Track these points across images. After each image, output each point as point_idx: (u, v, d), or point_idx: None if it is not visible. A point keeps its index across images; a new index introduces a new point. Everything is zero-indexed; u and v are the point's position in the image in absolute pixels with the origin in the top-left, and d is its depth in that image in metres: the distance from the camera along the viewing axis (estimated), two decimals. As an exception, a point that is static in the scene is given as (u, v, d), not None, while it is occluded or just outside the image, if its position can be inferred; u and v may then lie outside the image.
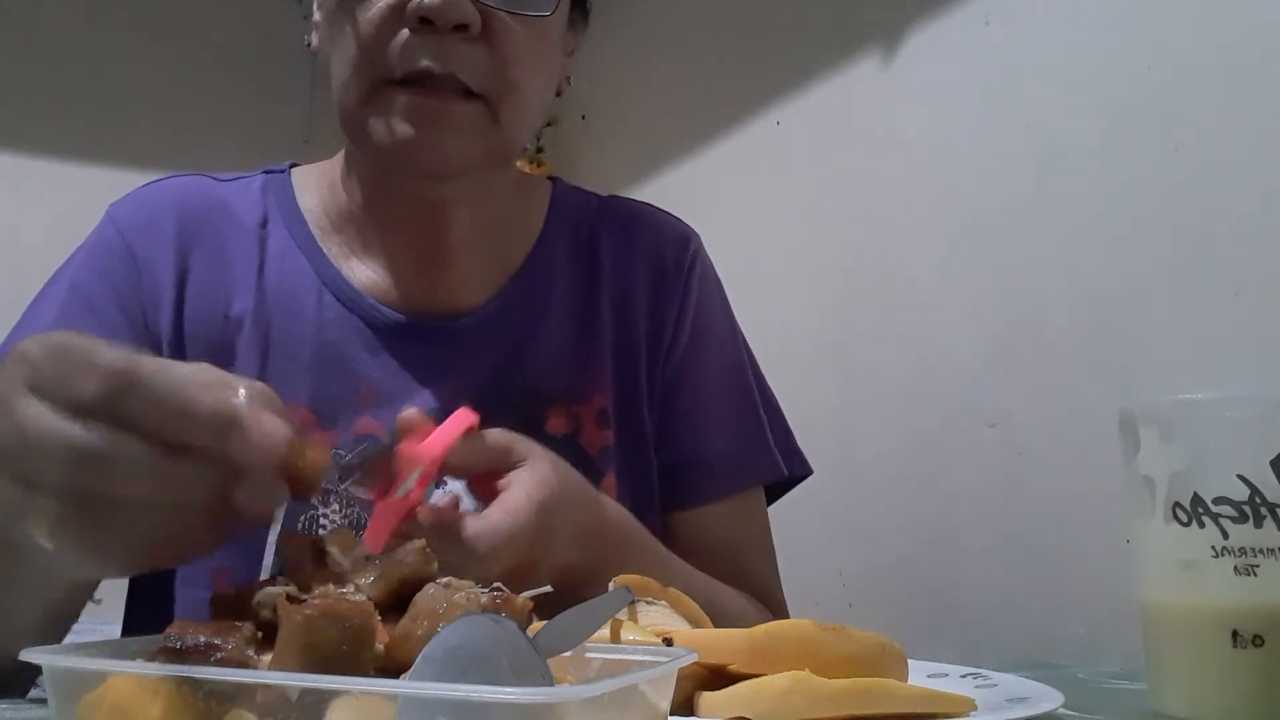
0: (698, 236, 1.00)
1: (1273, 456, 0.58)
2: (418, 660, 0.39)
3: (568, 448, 0.86)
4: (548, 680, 0.39)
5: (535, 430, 0.86)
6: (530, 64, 0.80)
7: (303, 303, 0.86)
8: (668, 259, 0.95)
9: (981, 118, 1.38)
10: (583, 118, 2.41)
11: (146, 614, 0.85)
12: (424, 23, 0.76)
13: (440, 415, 0.84)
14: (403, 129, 0.78)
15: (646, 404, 0.91)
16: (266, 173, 0.93)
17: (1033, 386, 1.29)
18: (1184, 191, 1.13)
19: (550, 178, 1.00)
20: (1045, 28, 1.31)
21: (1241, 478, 0.58)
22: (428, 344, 0.86)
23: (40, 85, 2.44)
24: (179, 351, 0.84)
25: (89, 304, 0.84)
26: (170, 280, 0.85)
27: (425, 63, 0.76)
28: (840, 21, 1.65)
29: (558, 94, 0.89)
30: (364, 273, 0.88)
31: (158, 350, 0.84)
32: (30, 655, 0.42)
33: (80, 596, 0.75)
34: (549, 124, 2.43)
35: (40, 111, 2.44)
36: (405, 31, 0.76)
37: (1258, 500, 0.58)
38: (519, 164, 2.52)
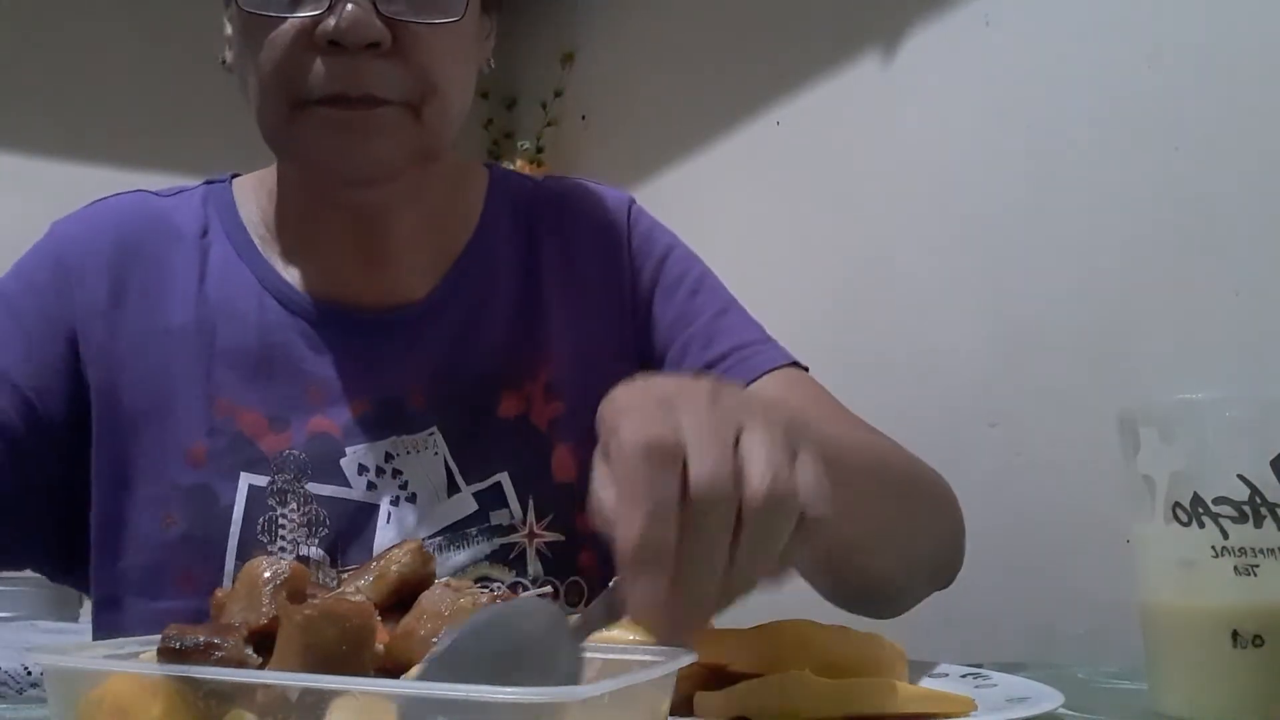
0: (633, 198, 0.99)
1: (1273, 456, 0.58)
2: (459, 633, 0.39)
3: (519, 430, 0.86)
4: (579, 666, 0.39)
5: (487, 415, 0.86)
6: (447, 66, 0.79)
7: (244, 309, 0.86)
8: (608, 220, 0.94)
9: (981, 118, 1.38)
10: (583, 118, 2.41)
11: (111, 626, 0.84)
12: (333, 45, 0.75)
13: (388, 406, 0.84)
14: (325, 143, 0.77)
15: (620, 358, 0.89)
16: (208, 183, 0.93)
17: (1033, 386, 1.29)
18: (1184, 192, 1.13)
19: (486, 164, 0.99)
20: (1045, 28, 1.31)
21: (1241, 478, 0.58)
22: (372, 337, 0.86)
23: (40, 85, 2.44)
24: (114, 365, 0.84)
25: (12, 311, 0.85)
26: (103, 295, 0.85)
27: (339, 88, 0.76)
28: (840, 21, 1.65)
29: (479, 74, 0.88)
30: (305, 275, 0.88)
31: (75, 362, 0.84)
32: (34, 656, 0.42)
33: None
34: (549, 124, 2.43)
35: (40, 111, 2.44)
36: (317, 57, 0.75)
37: (1258, 500, 0.58)
38: (520, 162, 2.52)
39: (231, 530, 0.80)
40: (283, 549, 0.81)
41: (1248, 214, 1.07)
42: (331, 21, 0.74)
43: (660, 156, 2.10)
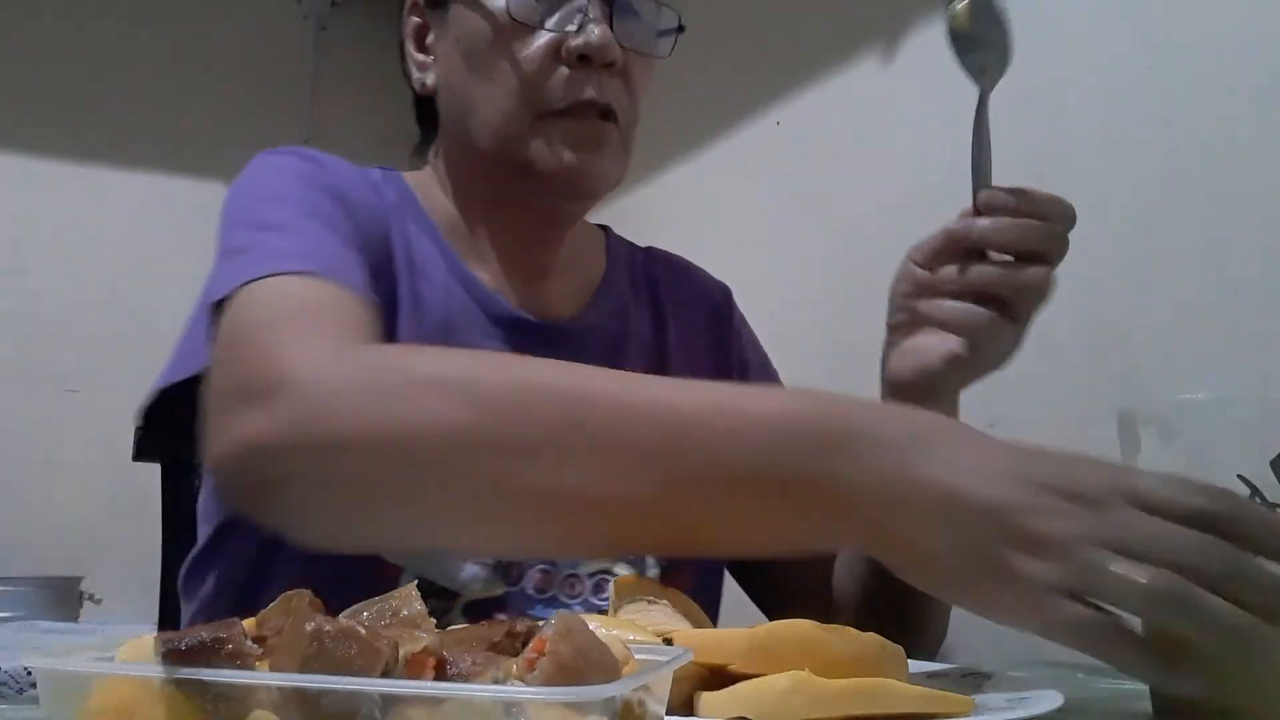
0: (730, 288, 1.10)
1: (1273, 457, 0.58)
2: None
3: None
4: None
5: None
6: (644, 96, 0.92)
7: (431, 275, 0.91)
8: (718, 304, 1.06)
9: (981, 118, 1.37)
10: (583, 118, 2.40)
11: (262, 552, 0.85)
12: (581, 60, 0.85)
13: None
14: (568, 155, 0.87)
15: None
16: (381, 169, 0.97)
17: (1033, 386, 1.29)
18: (1184, 191, 1.13)
19: (600, 225, 1.09)
20: (1045, 28, 1.31)
21: (1242, 478, 0.58)
22: (535, 339, 0.90)
23: (40, 85, 2.44)
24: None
25: (326, 213, 0.82)
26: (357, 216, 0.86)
27: (590, 94, 0.86)
28: (840, 21, 1.65)
29: None
30: (478, 271, 0.94)
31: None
32: (29, 660, 0.41)
33: None
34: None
35: (40, 111, 2.44)
36: (564, 69, 0.86)
37: (1257, 500, 0.58)
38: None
39: None
40: None
41: (1248, 214, 1.07)
42: (582, 39, 0.85)
43: (660, 156, 2.09)
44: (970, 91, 0.83)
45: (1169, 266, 1.14)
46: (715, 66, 1.96)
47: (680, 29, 0.93)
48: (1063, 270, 1.30)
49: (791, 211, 1.75)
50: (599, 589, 0.88)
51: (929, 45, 1.48)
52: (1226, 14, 1.10)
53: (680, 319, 1.02)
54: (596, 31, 0.85)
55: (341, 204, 0.84)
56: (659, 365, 0.98)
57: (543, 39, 0.86)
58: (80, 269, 2.38)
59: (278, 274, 0.71)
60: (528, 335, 0.91)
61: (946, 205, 1.45)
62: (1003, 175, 1.37)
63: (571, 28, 0.86)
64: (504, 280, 0.94)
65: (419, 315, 0.89)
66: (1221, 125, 1.10)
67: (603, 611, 0.84)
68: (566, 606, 0.87)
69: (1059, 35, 1.29)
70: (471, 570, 0.85)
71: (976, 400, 1.40)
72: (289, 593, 0.50)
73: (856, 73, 1.61)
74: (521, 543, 0.64)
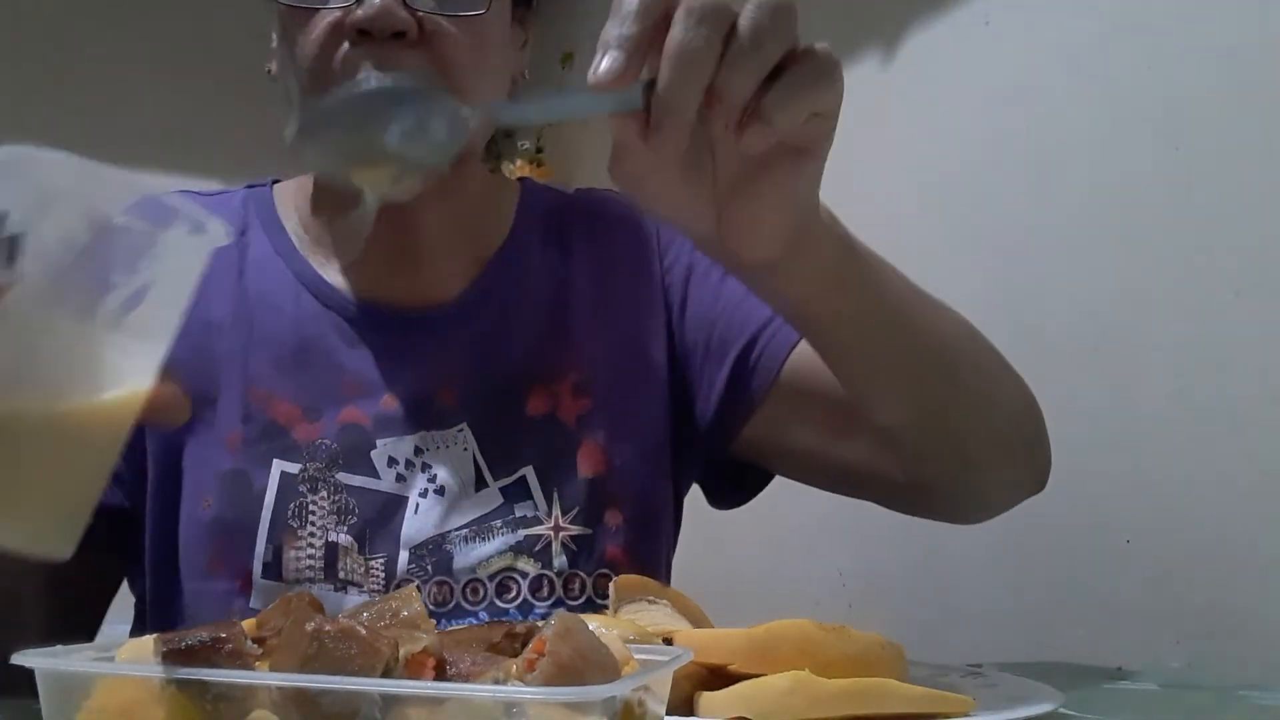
0: None
1: None
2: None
3: (546, 427, 0.88)
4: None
5: (516, 412, 0.88)
6: (472, 65, 0.82)
7: (281, 301, 0.88)
8: (636, 223, 0.96)
9: (981, 118, 1.37)
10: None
11: (158, 614, 0.85)
12: (362, 34, 0.78)
13: (419, 402, 0.87)
14: None
15: (651, 355, 0.92)
16: (249, 186, 0.96)
17: (1032, 386, 1.29)
18: (1184, 192, 1.13)
19: (520, 179, 1.03)
20: (1045, 28, 1.31)
21: None
22: (405, 334, 0.88)
23: (40, 86, 2.44)
24: None
25: None
26: None
27: (365, 72, 0.78)
28: (840, 21, 1.65)
29: (514, 85, 0.91)
30: (341, 275, 0.90)
31: None
32: (24, 659, 0.41)
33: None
34: (549, 124, 2.44)
35: (40, 111, 2.44)
36: (346, 45, 0.79)
37: None
38: (519, 162, 2.51)
39: (263, 515, 0.82)
40: (312, 534, 0.82)
41: (1248, 214, 1.07)
42: (360, 12, 0.77)
43: (660, 156, 2.09)
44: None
45: (1169, 267, 1.14)
46: (715, 66, 1.96)
47: None
48: (1063, 270, 1.30)
49: (791, 211, 1.75)
50: (503, 589, 0.84)
51: (929, 45, 1.48)
52: (1226, 15, 1.10)
53: (593, 263, 0.94)
54: (377, 1, 0.77)
55: None
56: (561, 323, 0.91)
57: (323, 17, 0.80)
58: (80, 269, 2.38)
59: None
60: (391, 331, 0.88)
61: (946, 205, 1.45)
62: (1002, 177, 1.37)
63: (350, 1, 0.78)
64: (371, 275, 0.89)
65: (270, 349, 0.86)
66: (1221, 126, 1.10)
67: (505, 616, 0.81)
68: (473, 616, 0.83)
69: (1059, 36, 1.29)
70: (356, 600, 0.81)
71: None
72: (289, 594, 0.50)
73: (856, 73, 1.61)
74: None
